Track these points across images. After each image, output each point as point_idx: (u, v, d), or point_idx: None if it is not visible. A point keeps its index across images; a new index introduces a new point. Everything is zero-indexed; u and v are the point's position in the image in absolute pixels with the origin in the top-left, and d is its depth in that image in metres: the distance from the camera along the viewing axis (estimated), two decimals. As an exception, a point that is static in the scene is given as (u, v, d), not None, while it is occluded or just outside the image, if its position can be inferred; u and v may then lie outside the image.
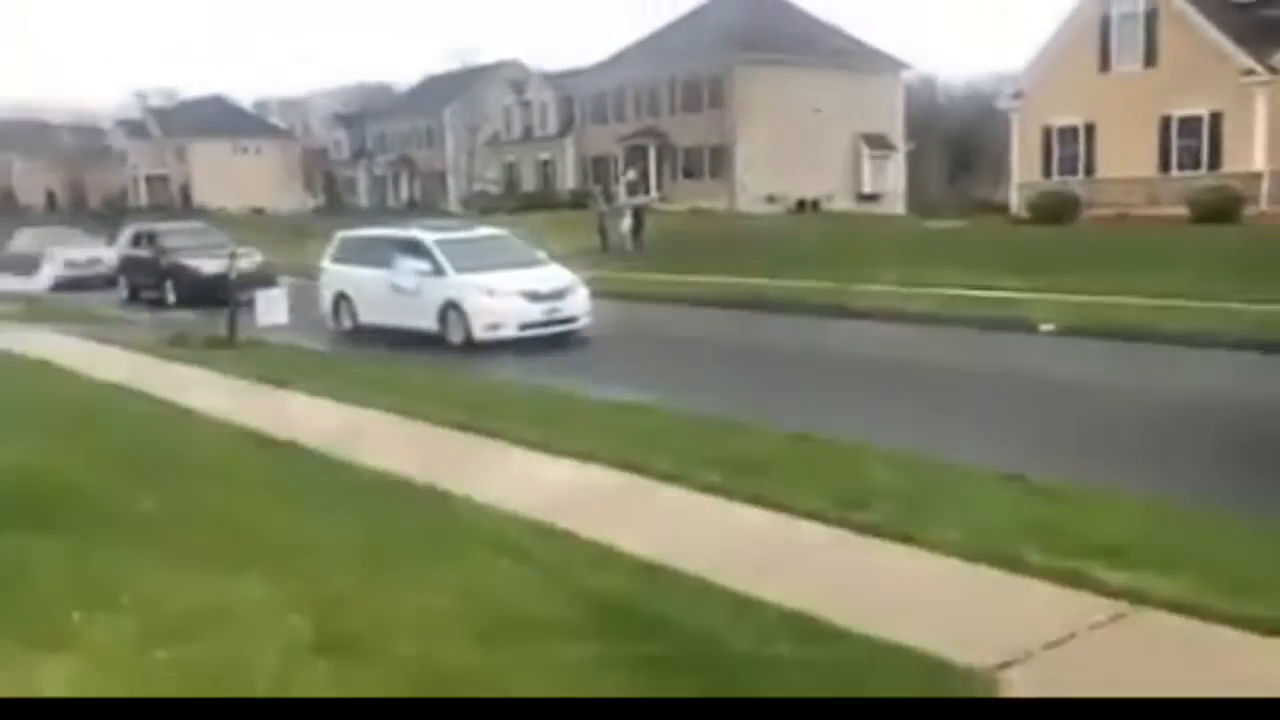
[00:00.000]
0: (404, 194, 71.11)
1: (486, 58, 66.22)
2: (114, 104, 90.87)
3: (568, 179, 57.60)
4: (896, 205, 51.60)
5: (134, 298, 24.81)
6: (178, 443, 8.93)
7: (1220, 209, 29.14)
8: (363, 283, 17.09)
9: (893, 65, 54.23)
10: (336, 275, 17.84)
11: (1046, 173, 36.81)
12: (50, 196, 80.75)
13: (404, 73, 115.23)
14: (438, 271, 15.85)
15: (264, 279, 20.97)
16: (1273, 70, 32.03)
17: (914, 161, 57.15)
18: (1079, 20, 35.54)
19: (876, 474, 7.19)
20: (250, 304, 16.73)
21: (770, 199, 46.12)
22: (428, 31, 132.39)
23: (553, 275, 16.36)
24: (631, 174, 50.18)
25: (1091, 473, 7.49)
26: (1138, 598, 4.96)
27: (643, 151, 52.38)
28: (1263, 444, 8.98)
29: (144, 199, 79.13)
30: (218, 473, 7.85)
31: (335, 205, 72.66)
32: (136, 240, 25.96)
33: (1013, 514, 6.28)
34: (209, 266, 21.38)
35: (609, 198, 39.04)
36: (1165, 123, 33.79)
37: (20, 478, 7.21)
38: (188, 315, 20.46)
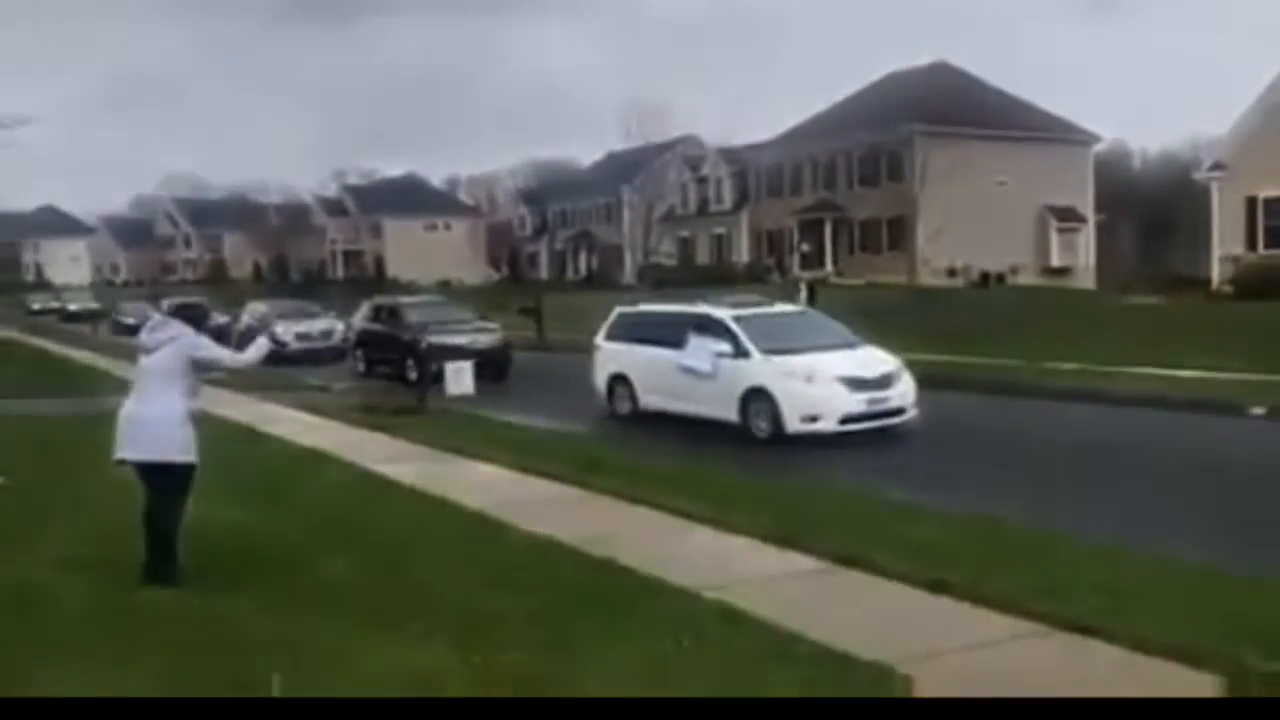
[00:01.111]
0: (582, 268, 72.84)
1: (666, 134, 67.39)
2: (316, 182, 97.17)
3: (742, 253, 57.83)
4: (1086, 279, 49.58)
5: (370, 372, 23.63)
6: (365, 506, 9.25)
7: None
8: (645, 363, 15.35)
9: (1082, 136, 52.59)
10: (613, 354, 16.12)
11: (1251, 245, 34.68)
12: (257, 268, 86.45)
13: (585, 149, 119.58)
14: (740, 353, 13.75)
15: (505, 355, 21.87)
16: None
17: (1105, 233, 54.93)
18: (1287, 85, 33.65)
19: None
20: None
21: (952, 272, 45.07)
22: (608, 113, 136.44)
23: (875, 359, 13.97)
24: (805, 246, 50.12)
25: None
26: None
27: (818, 225, 52.17)
28: None
29: (340, 272, 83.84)
30: (403, 538, 8.08)
31: (518, 278, 75.07)
32: (376, 314, 24.80)
33: None
34: (453, 342, 21.00)
35: (783, 271, 39.01)
36: (1392, 191, 31.44)
37: (226, 540, 7.59)
38: (381, 384, 21.31)
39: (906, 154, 47.41)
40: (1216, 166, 36.01)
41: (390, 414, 15.68)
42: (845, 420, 13.04)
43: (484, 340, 22.02)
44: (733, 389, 13.63)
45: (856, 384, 13.19)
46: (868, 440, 13.03)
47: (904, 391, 13.58)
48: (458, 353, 19.87)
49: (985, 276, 45.40)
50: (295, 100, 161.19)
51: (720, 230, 61.04)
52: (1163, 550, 7.43)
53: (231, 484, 8.95)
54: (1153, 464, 11.68)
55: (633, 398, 15.61)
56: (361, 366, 24.34)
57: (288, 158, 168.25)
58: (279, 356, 25.81)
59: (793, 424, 13.06)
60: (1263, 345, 19.41)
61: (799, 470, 11.53)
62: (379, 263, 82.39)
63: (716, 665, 5.24)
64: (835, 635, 5.60)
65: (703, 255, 61.32)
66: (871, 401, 13.20)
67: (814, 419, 13.05)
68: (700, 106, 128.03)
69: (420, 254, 78.51)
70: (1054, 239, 50.54)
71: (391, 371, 22.32)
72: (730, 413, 13.68)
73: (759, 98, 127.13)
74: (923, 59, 53.65)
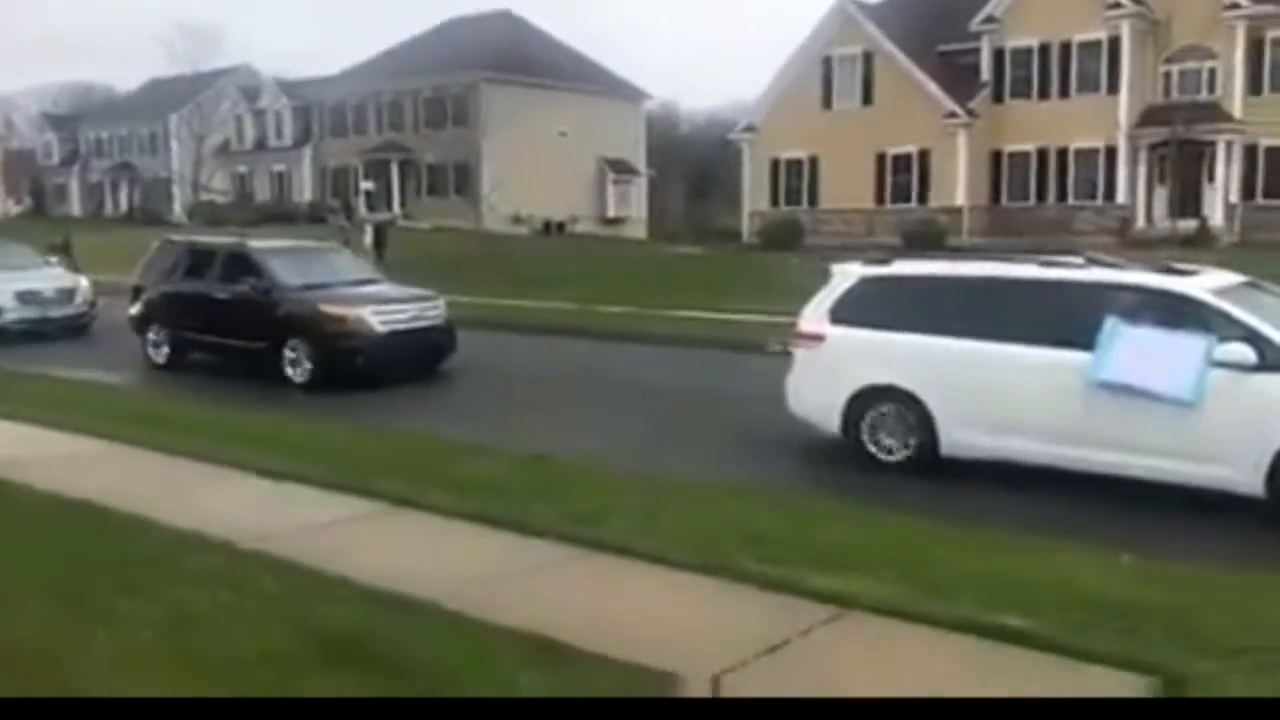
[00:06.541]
0: (123, 202, 66.43)
1: (216, 62, 62.81)
2: None
3: (305, 192, 55.60)
4: (639, 230, 52.99)
5: (177, 361, 14.98)
6: None
7: (928, 239, 31.70)
8: (963, 369, 8.59)
9: (635, 93, 55.75)
10: (864, 350, 9.16)
11: (775, 202, 38.92)
12: None
13: (126, 74, 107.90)
14: (1267, 363, 7.51)
15: (452, 337, 14.50)
16: (971, 114, 35.21)
17: (656, 187, 58.89)
18: (804, 58, 37.80)
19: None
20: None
21: (516, 219, 46.27)
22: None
23: None
24: (370, 184, 49.23)
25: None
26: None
27: (385, 166, 51.32)
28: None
29: None
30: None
31: (43, 212, 67.01)
32: (198, 264, 15.07)
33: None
34: (381, 319, 13.63)
35: (349, 212, 38.02)
36: (881, 159, 36.51)
37: None
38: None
39: (472, 99, 47.80)
40: (748, 129, 39.80)
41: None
42: None
43: (431, 315, 14.34)
44: (1255, 433, 7.49)
45: None
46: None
47: None
48: (401, 339, 13.68)
49: (548, 224, 47.10)
50: None
51: (281, 167, 58.18)
52: (688, 474, 8.19)
53: None
54: (686, 398, 12.78)
55: (926, 430, 8.76)
56: (159, 352, 15.14)
57: None
58: None
59: None
60: (781, 290, 21.83)
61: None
62: None
63: (254, 613, 5.09)
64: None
65: (262, 192, 58.19)
66: None
67: None
68: (256, 37, 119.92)
69: (-84, 181, 67.57)
70: (610, 191, 53.43)
71: (238, 361, 14.35)
72: (1242, 475, 7.54)
73: (319, 33, 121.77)
74: (486, 6, 54.19)
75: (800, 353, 9.62)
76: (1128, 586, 5.60)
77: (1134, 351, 7.80)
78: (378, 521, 6.95)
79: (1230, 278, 8.54)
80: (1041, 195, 35.71)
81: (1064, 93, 35.02)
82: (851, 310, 9.27)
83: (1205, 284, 8.18)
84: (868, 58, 36.51)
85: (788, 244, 34.18)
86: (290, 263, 14.65)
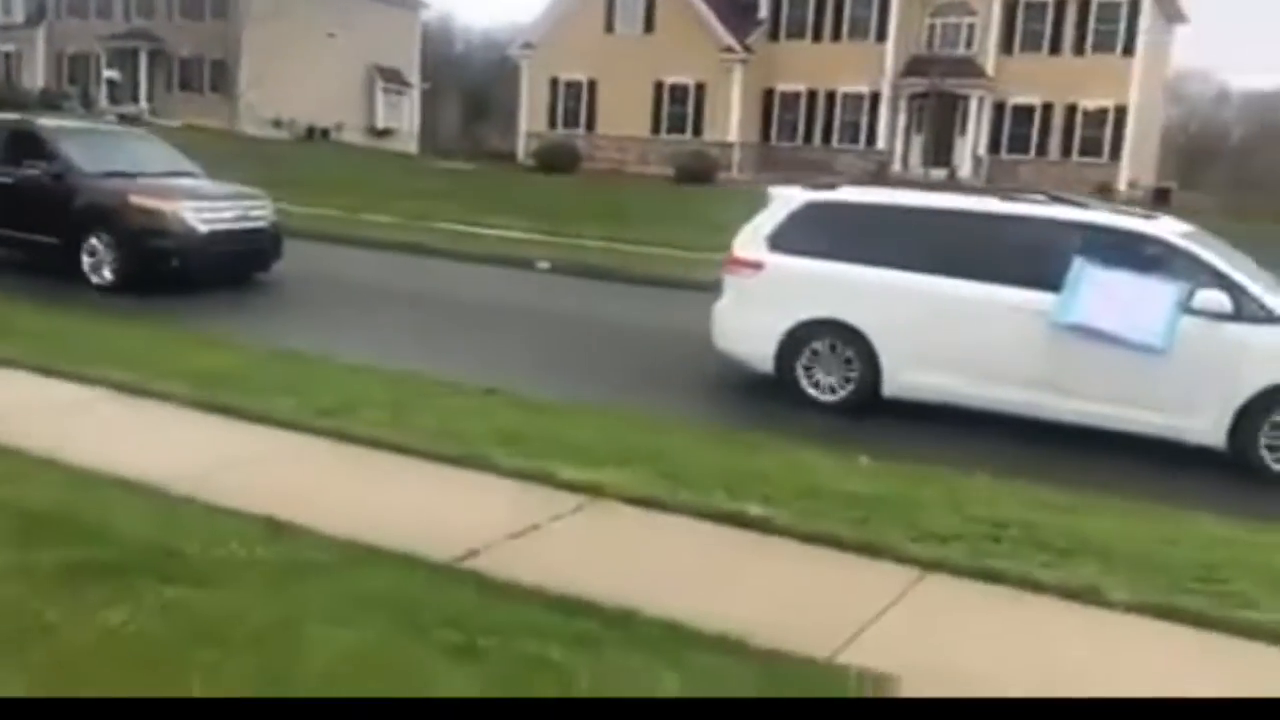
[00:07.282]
0: None
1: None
2: None
3: (37, 77, 50.57)
4: (409, 143, 51.27)
5: None
6: None
7: (699, 172, 32.25)
8: (919, 308, 7.86)
9: (410, 1, 53.62)
10: (804, 281, 8.28)
11: (552, 124, 38.53)
12: None
13: None
14: (1244, 313, 7.17)
15: (278, 238, 12.95)
16: (748, 50, 35.88)
17: (429, 102, 57.10)
18: (588, -22, 37.33)
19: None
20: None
21: (276, 123, 43.77)
22: None
23: None
24: (114, 74, 45.42)
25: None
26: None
27: (132, 55, 47.31)
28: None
29: None
30: None
31: None
32: None
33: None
34: (202, 217, 11.96)
35: (88, 102, 34.91)
36: (659, 88, 36.71)
37: None
38: None
39: (233, -11, 44.63)
40: (527, 45, 39.09)
41: None
42: None
43: (257, 217, 12.80)
44: (1222, 383, 7.12)
45: None
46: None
47: None
48: (223, 240, 12.06)
49: (311, 130, 44.88)
50: None
51: (9, 47, 52.59)
52: (441, 374, 8.00)
53: None
54: (450, 307, 12.52)
55: (869, 368, 8.01)
56: None
57: None
58: None
59: None
60: (551, 210, 21.76)
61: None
62: None
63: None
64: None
65: (-14, 75, 52.54)
66: None
67: None
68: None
69: None
70: (380, 100, 51.34)
71: (24, 256, 12.44)
72: (1205, 426, 7.17)
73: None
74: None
75: (732, 281, 8.60)
76: (864, 482, 5.86)
77: (1103, 294, 7.31)
78: (101, 407, 6.44)
79: (1185, 225, 8.03)
80: (808, 136, 36.94)
81: (836, 36, 36.18)
82: (793, 238, 8.37)
83: (1174, 229, 7.77)
84: (651, -18, 36.46)
85: (563, 167, 33.97)
86: (89, 146, 12.85)
